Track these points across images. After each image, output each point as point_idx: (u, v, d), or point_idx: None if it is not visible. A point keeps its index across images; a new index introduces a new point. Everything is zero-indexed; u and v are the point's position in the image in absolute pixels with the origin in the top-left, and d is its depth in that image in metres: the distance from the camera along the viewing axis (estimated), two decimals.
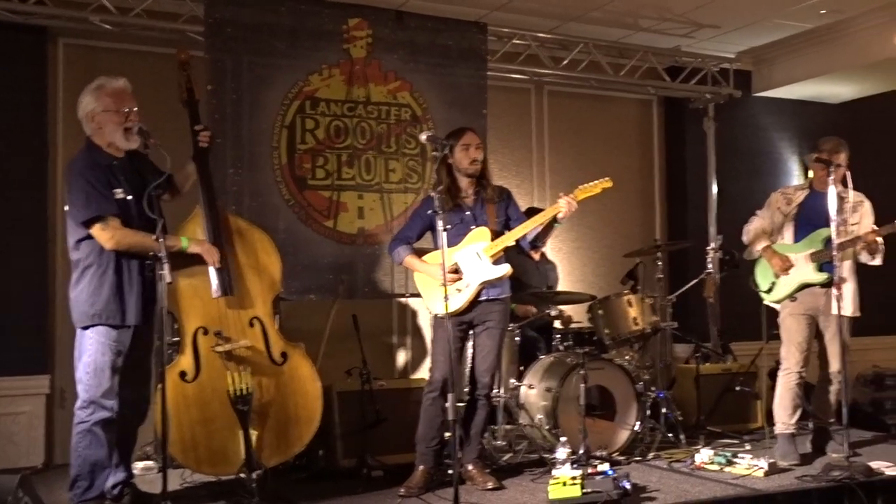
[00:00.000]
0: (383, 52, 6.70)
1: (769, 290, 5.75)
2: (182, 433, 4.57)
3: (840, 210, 5.32)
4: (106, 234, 4.39)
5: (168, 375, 4.42)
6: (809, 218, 5.66)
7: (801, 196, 5.76)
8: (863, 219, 5.61)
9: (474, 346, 5.20)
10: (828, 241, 5.47)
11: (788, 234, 5.73)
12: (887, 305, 8.69)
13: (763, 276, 5.80)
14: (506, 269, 5.04)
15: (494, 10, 7.05)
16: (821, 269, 5.54)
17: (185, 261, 4.60)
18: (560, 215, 4.99)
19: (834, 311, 5.25)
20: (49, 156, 6.25)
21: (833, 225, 5.20)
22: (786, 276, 5.63)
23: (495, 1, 6.88)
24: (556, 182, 7.91)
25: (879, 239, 5.43)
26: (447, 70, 6.90)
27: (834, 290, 5.18)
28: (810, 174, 5.87)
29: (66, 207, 4.52)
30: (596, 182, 5.10)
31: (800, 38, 7.93)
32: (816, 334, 5.68)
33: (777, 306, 5.77)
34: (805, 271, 5.58)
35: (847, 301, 5.38)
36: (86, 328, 4.46)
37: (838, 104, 8.97)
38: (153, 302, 4.42)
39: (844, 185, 5.49)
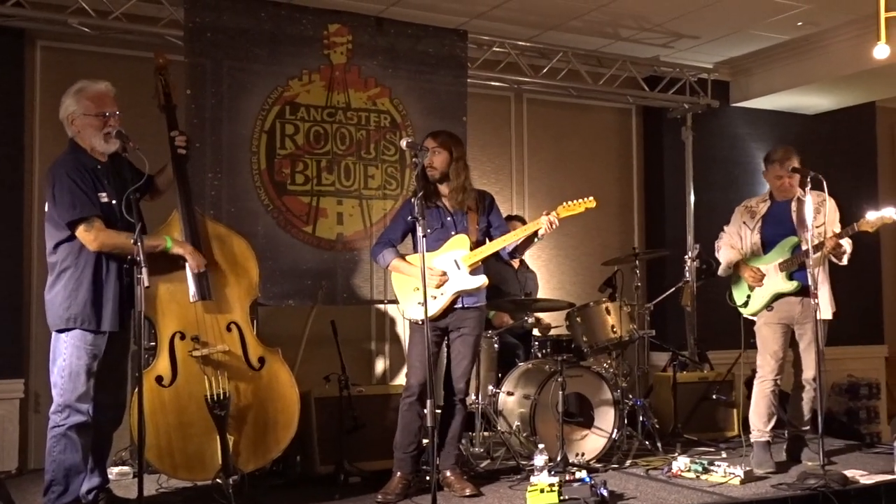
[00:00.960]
0: (363, 58, 6.69)
1: (745, 304, 5.78)
2: (158, 438, 4.52)
3: (803, 215, 5.35)
4: (90, 236, 4.35)
5: (144, 380, 4.36)
6: (775, 228, 5.69)
7: (763, 208, 5.78)
8: (827, 217, 5.60)
9: (449, 352, 5.19)
10: (795, 249, 5.52)
11: (757, 246, 5.77)
12: (862, 315, 8.80)
13: (738, 290, 5.82)
14: (482, 280, 5.05)
15: (475, 18, 7.06)
16: (791, 277, 5.57)
17: (163, 265, 4.57)
18: (541, 232, 5.01)
19: (816, 316, 5.26)
20: (25, 158, 6.20)
21: (807, 233, 5.22)
22: (760, 287, 5.66)
23: (475, 9, 6.90)
24: (535, 189, 7.95)
25: (843, 242, 5.48)
26: (427, 77, 6.90)
27: (812, 300, 5.20)
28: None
29: (47, 208, 4.47)
30: (580, 201, 5.11)
31: (777, 49, 7.99)
32: (791, 342, 5.72)
33: (756, 318, 5.80)
34: (776, 281, 5.61)
35: (824, 304, 5.41)
36: (61, 331, 4.42)
37: (814, 115, 9.03)
38: (130, 306, 4.40)
39: (819, 188, 5.48)
